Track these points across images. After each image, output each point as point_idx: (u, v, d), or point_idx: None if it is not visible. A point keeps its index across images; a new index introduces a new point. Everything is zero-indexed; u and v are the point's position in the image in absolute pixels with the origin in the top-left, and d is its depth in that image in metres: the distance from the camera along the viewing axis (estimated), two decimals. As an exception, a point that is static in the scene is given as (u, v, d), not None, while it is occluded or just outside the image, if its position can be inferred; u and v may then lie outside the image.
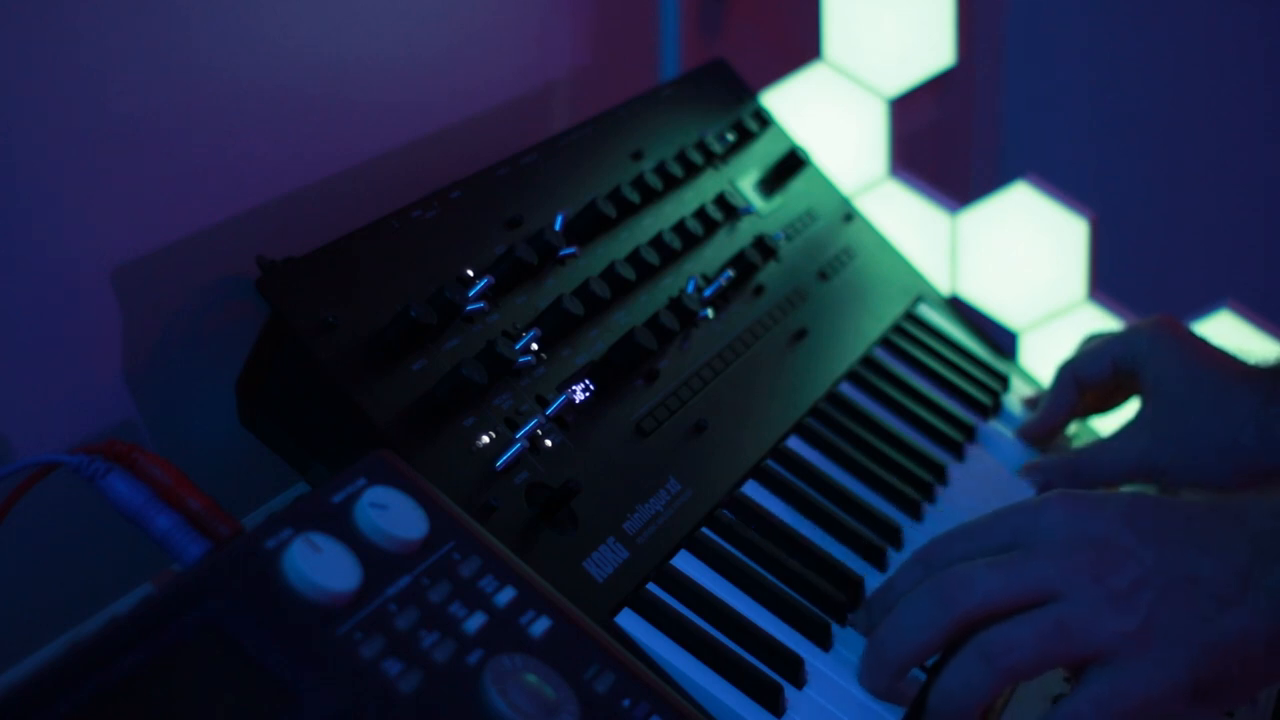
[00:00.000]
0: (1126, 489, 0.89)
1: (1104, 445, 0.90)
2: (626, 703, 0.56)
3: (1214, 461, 0.84)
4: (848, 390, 0.92)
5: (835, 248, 1.03)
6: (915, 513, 0.85)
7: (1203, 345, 0.89)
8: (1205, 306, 1.18)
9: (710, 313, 0.88)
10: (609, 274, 0.82)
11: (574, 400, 0.76)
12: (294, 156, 0.83)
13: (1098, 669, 0.63)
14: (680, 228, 0.90)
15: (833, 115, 1.22)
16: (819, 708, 0.69)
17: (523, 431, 0.72)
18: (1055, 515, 0.67)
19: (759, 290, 0.93)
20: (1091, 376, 0.93)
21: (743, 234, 0.95)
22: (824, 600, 0.75)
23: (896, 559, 0.81)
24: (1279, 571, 0.63)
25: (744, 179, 1.00)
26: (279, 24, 0.81)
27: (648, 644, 0.68)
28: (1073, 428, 0.99)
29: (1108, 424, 1.01)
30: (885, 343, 0.99)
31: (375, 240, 0.74)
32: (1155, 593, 0.63)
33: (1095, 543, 0.65)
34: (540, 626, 0.57)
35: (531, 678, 0.54)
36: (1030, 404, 1.02)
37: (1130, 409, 0.95)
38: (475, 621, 0.56)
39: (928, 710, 0.65)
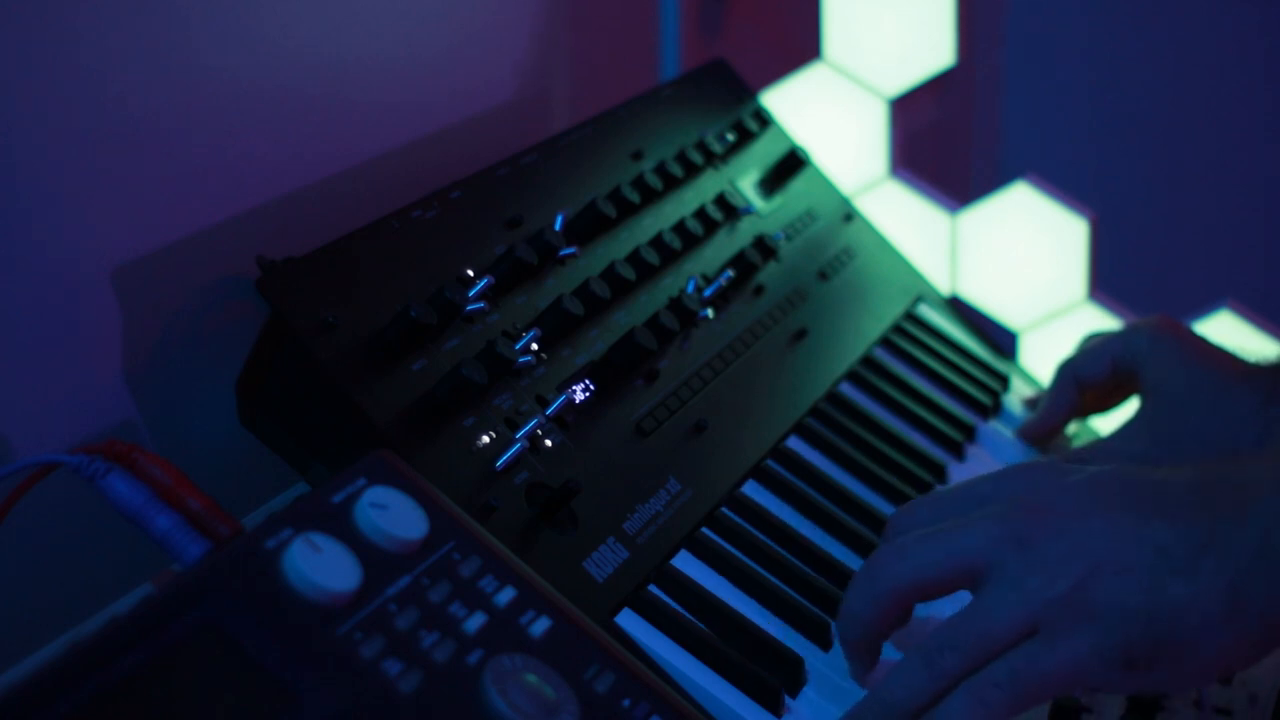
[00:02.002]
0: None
1: (1104, 444, 0.90)
2: (626, 703, 0.56)
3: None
4: (848, 390, 0.92)
5: (835, 248, 1.03)
6: (915, 513, 0.85)
7: (1203, 345, 0.89)
8: (1205, 306, 1.18)
9: (710, 313, 0.88)
10: (609, 274, 0.82)
11: (574, 400, 0.76)
12: (294, 156, 0.83)
13: (1029, 640, 0.60)
14: (680, 228, 0.90)
15: (833, 115, 1.22)
16: (819, 708, 0.69)
17: (523, 431, 0.72)
18: (1008, 485, 0.65)
19: (759, 290, 0.93)
20: (1091, 376, 0.93)
21: (743, 234, 0.95)
22: (824, 600, 0.75)
23: (896, 559, 0.81)
24: (1240, 539, 0.59)
25: (744, 179, 1.00)
26: (279, 24, 0.81)
27: (648, 644, 0.68)
28: (1072, 427, 0.99)
29: (1107, 424, 1.02)
30: (885, 343, 0.99)
31: (375, 240, 0.75)
32: (1091, 560, 0.60)
33: (1038, 510, 0.63)
34: (540, 626, 0.57)
35: (531, 678, 0.54)
36: (1030, 404, 1.02)
37: (1130, 408, 0.95)
38: (475, 621, 0.56)
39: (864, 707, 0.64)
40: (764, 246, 0.94)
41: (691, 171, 0.95)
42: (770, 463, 0.83)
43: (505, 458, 0.70)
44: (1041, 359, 1.17)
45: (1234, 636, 0.59)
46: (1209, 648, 0.59)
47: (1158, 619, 0.59)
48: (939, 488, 0.69)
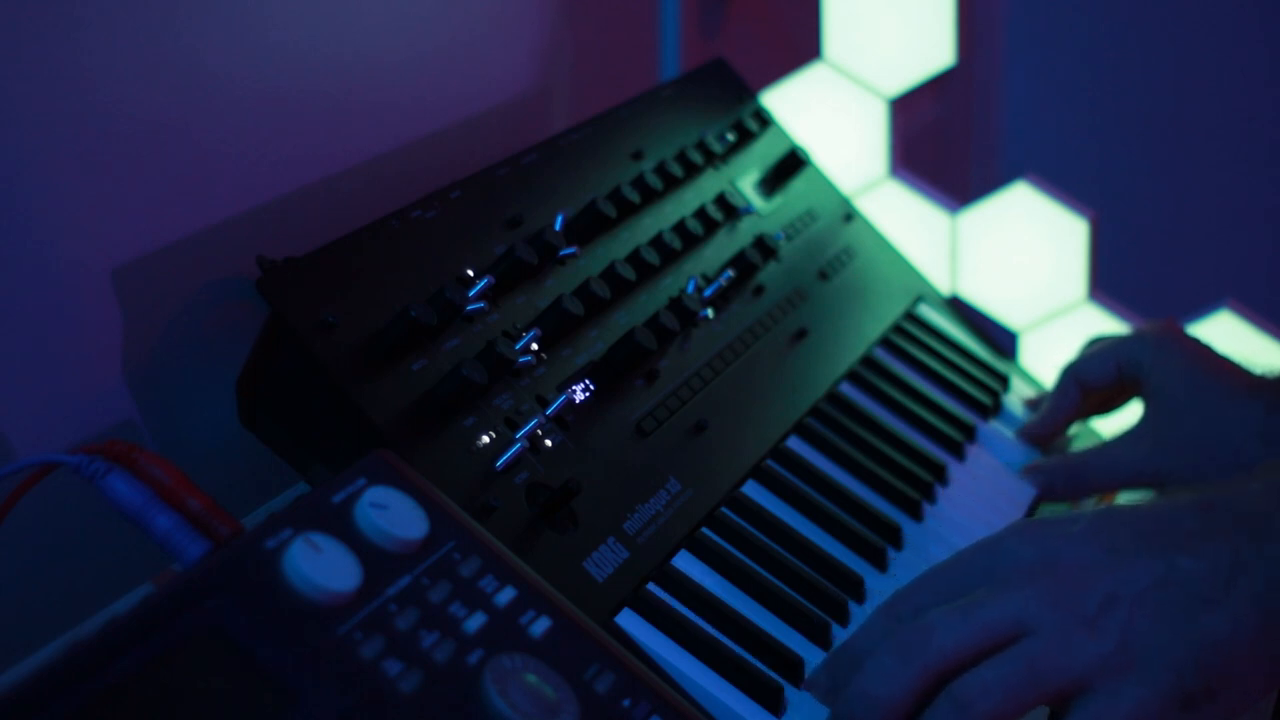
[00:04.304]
0: (1123, 496, 0.89)
1: (1106, 449, 0.90)
2: (626, 703, 0.56)
3: (1216, 470, 0.84)
4: (848, 390, 0.92)
5: (835, 248, 1.03)
6: (915, 513, 0.85)
7: (1206, 352, 0.89)
8: (1205, 306, 1.18)
9: (710, 313, 0.88)
10: (609, 274, 0.82)
11: (574, 400, 0.76)
12: (294, 156, 0.83)
13: (1081, 699, 0.59)
14: (680, 228, 0.90)
15: (833, 115, 1.22)
16: (819, 708, 0.69)
17: (523, 431, 0.72)
18: (1015, 545, 0.63)
19: (759, 290, 0.93)
20: (1095, 379, 0.93)
21: (743, 234, 0.95)
22: (824, 600, 0.75)
23: (896, 559, 0.81)
24: (1269, 554, 0.59)
25: (744, 179, 1.00)
26: (279, 24, 0.81)
27: (648, 644, 0.68)
28: (1074, 428, 0.99)
29: (1108, 425, 1.02)
30: (885, 343, 0.99)
31: (375, 240, 0.75)
32: (1128, 607, 0.59)
33: (1059, 567, 0.61)
34: (540, 626, 0.57)
35: (531, 678, 0.54)
36: (1032, 405, 1.02)
37: (1132, 409, 0.95)
38: (475, 621, 0.56)
39: None
40: (764, 246, 0.94)
41: (691, 171, 0.95)
42: (770, 463, 0.83)
43: (505, 458, 0.70)
44: (1041, 359, 1.17)
45: (1266, 669, 0.59)
46: (1259, 668, 0.59)
47: (1205, 656, 0.58)
48: (929, 569, 0.65)
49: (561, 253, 0.81)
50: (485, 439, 0.71)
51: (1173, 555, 0.60)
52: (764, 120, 1.05)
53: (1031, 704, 0.60)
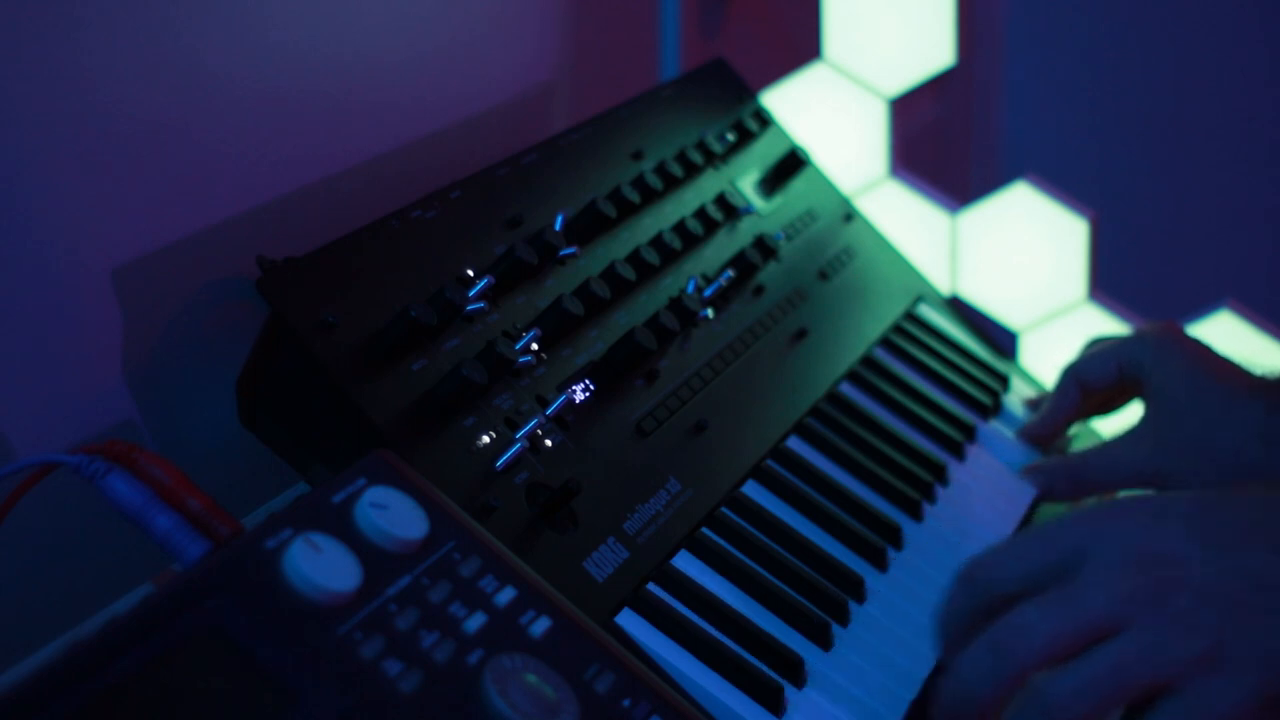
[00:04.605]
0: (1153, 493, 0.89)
1: (1106, 449, 0.90)
2: (626, 703, 0.56)
3: (1216, 471, 0.84)
4: (848, 390, 0.92)
5: (835, 248, 1.03)
6: (915, 513, 0.85)
7: (1207, 353, 0.89)
8: (1205, 306, 1.18)
9: (710, 313, 0.88)
10: (609, 274, 0.82)
11: (574, 400, 0.76)
12: (294, 156, 0.83)
13: (1167, 699, 0.59)
14: (680, 228, 0.90)
15: (833, 115, 1.22)
16: (819, 708, 0.69)
17: (523, 431, 0.72)
18: (1111, 530, 0.62)
19: (759, 290, 0.93)
20: (1096, 380, 0.93)
21: (743, 234, 0.95)
22: (824, 600, 0.75)
23: (896, 559, 0.81)
24: None
25: (744, 179, 1.00)
26: (279, 24, 0.81)
27: (648, 644, 0.68)
28: (1074, 428, 0.99)
29: (1109, 425, 1.02)
30: (885, 343, 0.99)
31: (375, 240, 0.75)
32: (1222, 606, 0.59)
33: (1156, 560, 0.61)
34: (540, 626, 0.57)
35: (531, 678, 0.54)
36: (1032, 405, 1.02)
37: (1133, 410, 0.95)
38: (475, 621, 0.56)
39: None
40: (764, 246, 0.94)
41: (691, 171, 0.95)
42: (770, 463, 0.83)
43: (505, 458, 0.70)
44: (1041, 359, 1.17)
45: None
46: None
47: None
48: (1018, 535, 0.64)
49: (561, 253, 0.81)
50: (485, 439, 0.71)
51: (1266, 555, 0.60)
52: (764, 120, 1.05)
53: (1117, 705, 0.60)
